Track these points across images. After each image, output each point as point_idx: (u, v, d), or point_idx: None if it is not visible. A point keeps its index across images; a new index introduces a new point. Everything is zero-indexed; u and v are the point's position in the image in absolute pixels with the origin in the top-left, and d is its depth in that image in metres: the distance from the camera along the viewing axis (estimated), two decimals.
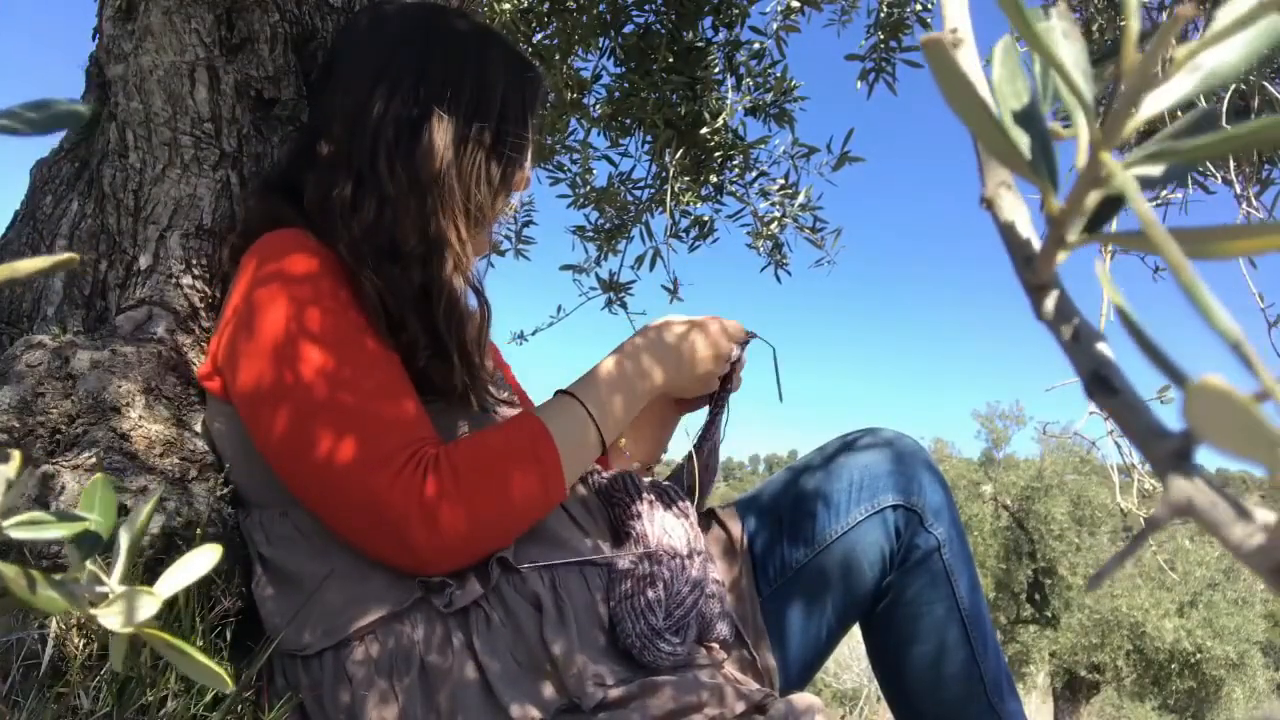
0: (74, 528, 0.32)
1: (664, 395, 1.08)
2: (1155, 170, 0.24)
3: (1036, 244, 0.26)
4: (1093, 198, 0.24)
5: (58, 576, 0.31)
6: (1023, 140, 0.25)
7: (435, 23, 1.00)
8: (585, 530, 0.97)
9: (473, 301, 1.00)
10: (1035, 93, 0.26)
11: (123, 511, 0.84)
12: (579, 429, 0.95)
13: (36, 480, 0.82)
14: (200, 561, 0.33)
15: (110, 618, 0.30)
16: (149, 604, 0.31)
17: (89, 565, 0.32)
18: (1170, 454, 0.21)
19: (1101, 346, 0.24)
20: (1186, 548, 9.99)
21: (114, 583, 0.32)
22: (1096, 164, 0.23)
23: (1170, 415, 0.22)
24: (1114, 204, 0.25)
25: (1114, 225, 0.25)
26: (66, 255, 0.29)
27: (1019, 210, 0.28)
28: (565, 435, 0.92)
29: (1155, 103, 0.24)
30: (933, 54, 0.23)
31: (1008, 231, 0.27)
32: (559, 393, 0.99)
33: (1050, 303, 0.25)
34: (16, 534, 0.30)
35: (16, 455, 0.31)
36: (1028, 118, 0.26)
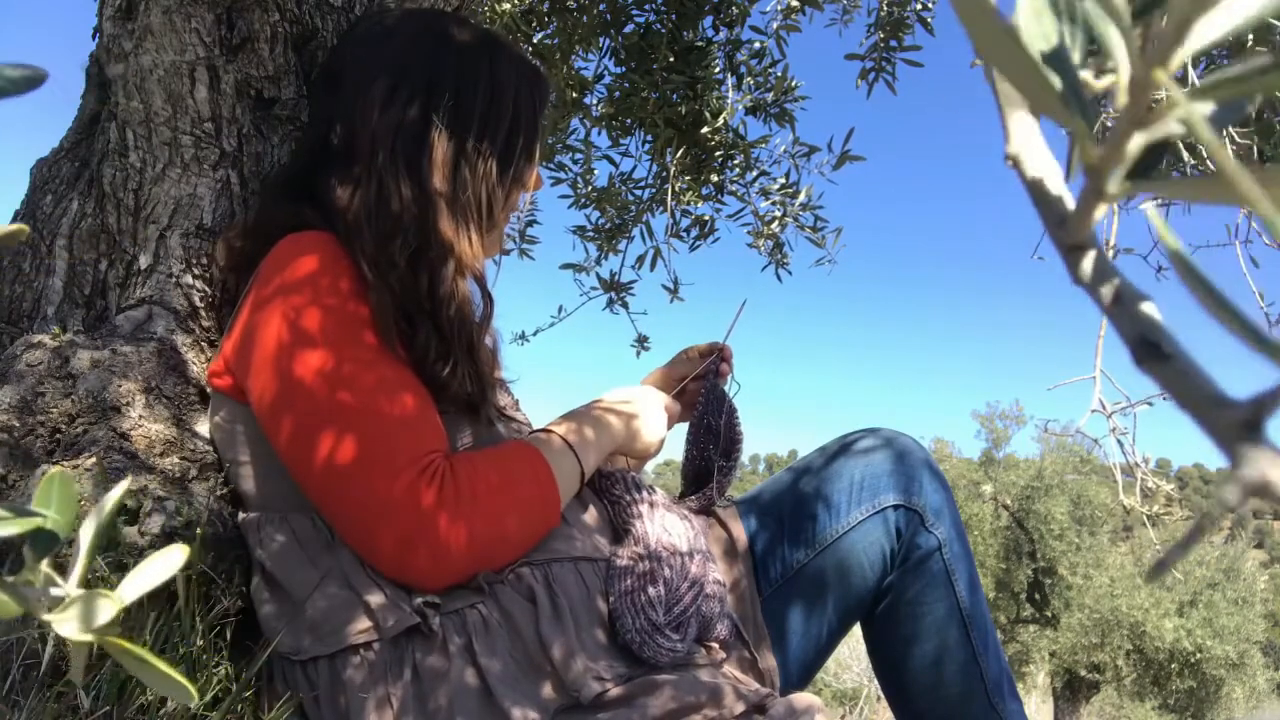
0: (26, 524, 0.29)
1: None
2: (1204, 108, 0.20)
3: (1069, 201, 0.24)
4: (1136, 141, 0.21)
5: (10, 578, 0.28)
6: (1055, 80, 0.21)
7: (445, 29, 1.01)
8: (582, 529, 0.97)
9: (480, 302, 1.01)
10: (1064, 37, 0.23)
11: (124, 512, 0.83)
12: (567, 461, 0.97)
13: (35, 480, 0.82)
14: (165, 564, 0.30)
15: (65, 624, 0.28)
16: (107, 608, 0.28)
17: (44, 566, 0.29)
18: (1237, 424, 0.18)
19: (1147, 307, 0.22)
20: None
21: (70, 585, 0.29)
22: (1141, 99, 0.20)
23: (1231, 382, 0.20)
24: (1154, 154, 0.22)
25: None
26: (15, 226, 0.27)
27: (1048, 165, 0.25)
28: (559, 464, 0.95)
29: (1207, 30, 0.20)
30: None
31: (1036, 189, 0.24)
32: (543, 430, 1.01)
33: (1087, 264, 0.23)
34: None
35: None
36: (1057, 60, 0.22)
